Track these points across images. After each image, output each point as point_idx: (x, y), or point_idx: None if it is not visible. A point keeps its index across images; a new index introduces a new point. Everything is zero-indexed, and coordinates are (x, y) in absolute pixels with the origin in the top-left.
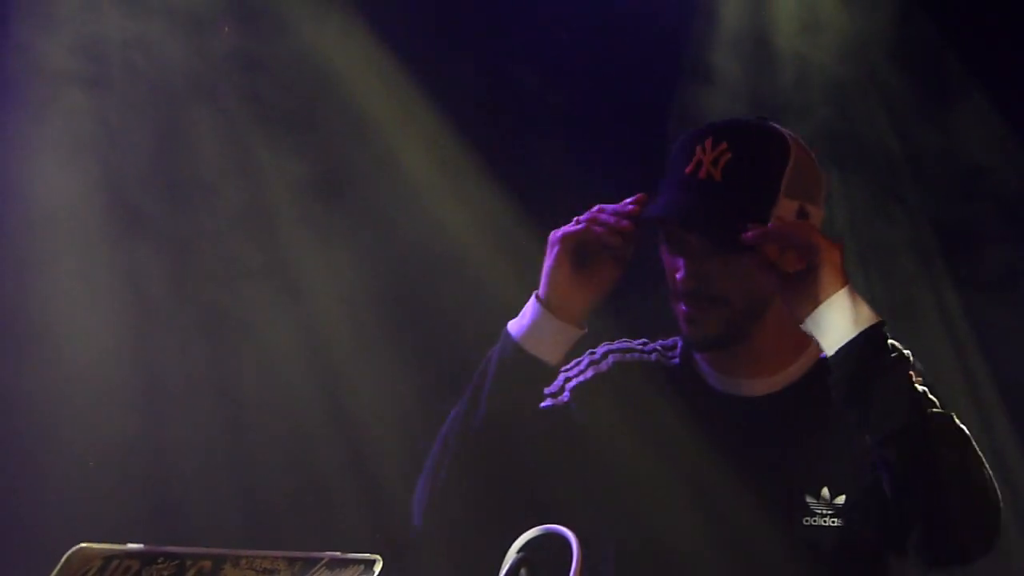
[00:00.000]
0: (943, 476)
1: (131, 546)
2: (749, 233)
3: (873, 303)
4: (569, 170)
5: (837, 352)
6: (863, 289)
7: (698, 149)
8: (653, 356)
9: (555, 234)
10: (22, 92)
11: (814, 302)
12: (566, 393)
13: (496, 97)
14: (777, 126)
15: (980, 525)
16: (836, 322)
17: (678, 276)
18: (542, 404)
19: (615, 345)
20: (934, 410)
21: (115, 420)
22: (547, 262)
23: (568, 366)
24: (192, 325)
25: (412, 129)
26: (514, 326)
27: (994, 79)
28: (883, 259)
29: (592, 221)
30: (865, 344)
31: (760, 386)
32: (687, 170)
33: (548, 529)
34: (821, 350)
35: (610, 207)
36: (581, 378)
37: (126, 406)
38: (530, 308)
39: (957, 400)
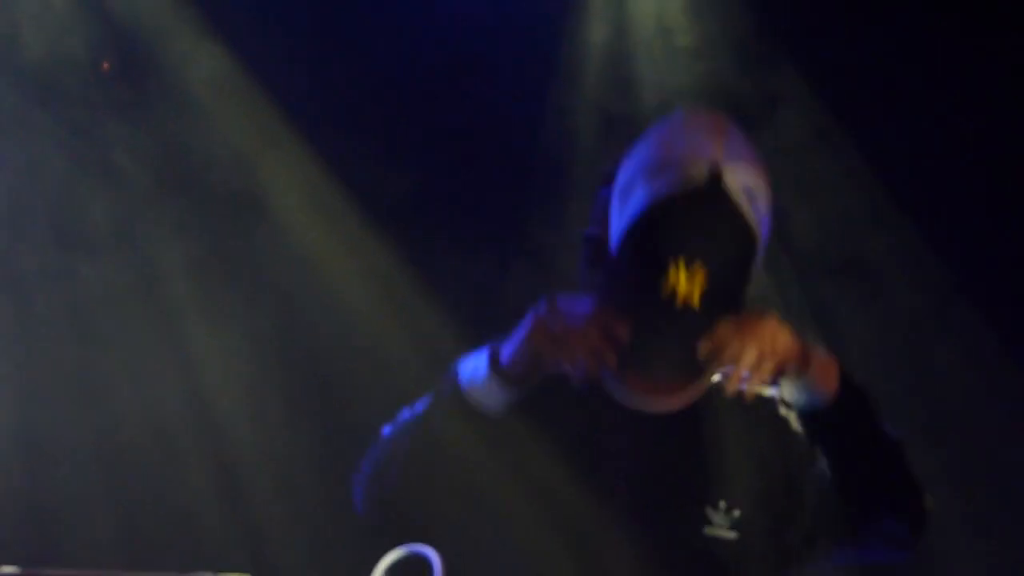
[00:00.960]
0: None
1: (6, 569)
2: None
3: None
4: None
5: (821, 413)
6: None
7: (671, 270)
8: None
9: (540, 320)
10: None
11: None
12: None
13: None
14: (744, 205)
15: (908, 518)
16: (810, 389)
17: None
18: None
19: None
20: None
21: None
22: (520, 340)
23: None
24: (76, 377)
25: (309, 201)
26: (465, 373)
27: (826, 78)
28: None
29: (578, 345)
30: (843, 407)
31: (666, 403)
32: (663, 295)
33: (412, 549)
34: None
35: (599, 338)
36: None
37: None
38: (484, 366)
39: None
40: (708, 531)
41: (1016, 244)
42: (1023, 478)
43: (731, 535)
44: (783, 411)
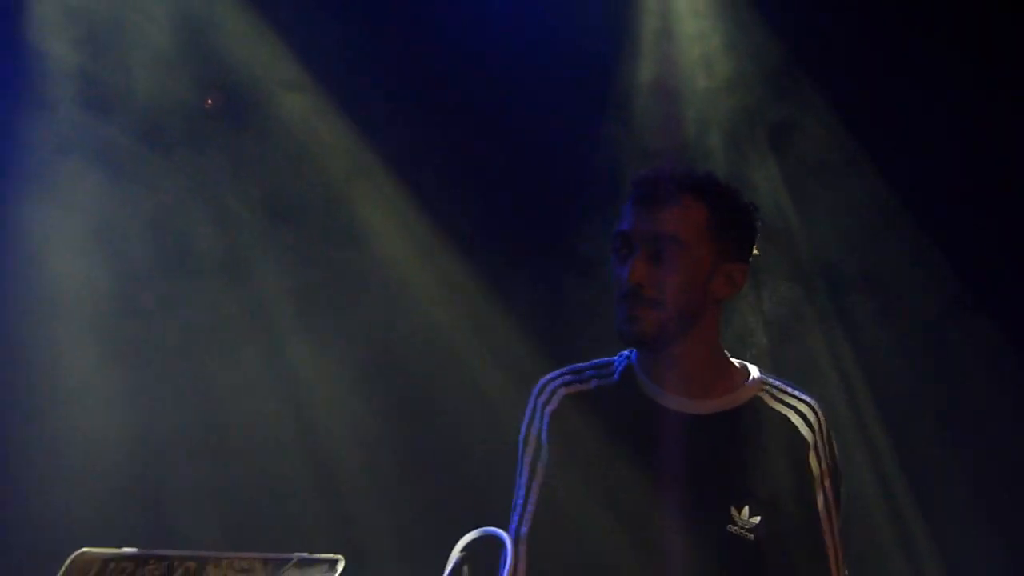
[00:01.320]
0: None
1: (126, 550)
2: None
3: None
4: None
5: None
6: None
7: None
8: (592, 383)
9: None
10: (38, 183)
11: None
12: (545, 427)
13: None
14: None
15: None
16: None
17: (624, 276)
18: None
19: (556, 380)
20: None
21: (114, 448)
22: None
23: (529, 409)
24: (192, 387)
25: (396, 228)
26: None
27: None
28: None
29: None
30: None
31: (700, 406)
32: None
33: (486, 531)
34: (761, 387)
35: None
36: (548, 409)
37: (124, 443)
38: None
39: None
40: (731, 529)
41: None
42: None
43: (750, 536)
44: (805, 433)
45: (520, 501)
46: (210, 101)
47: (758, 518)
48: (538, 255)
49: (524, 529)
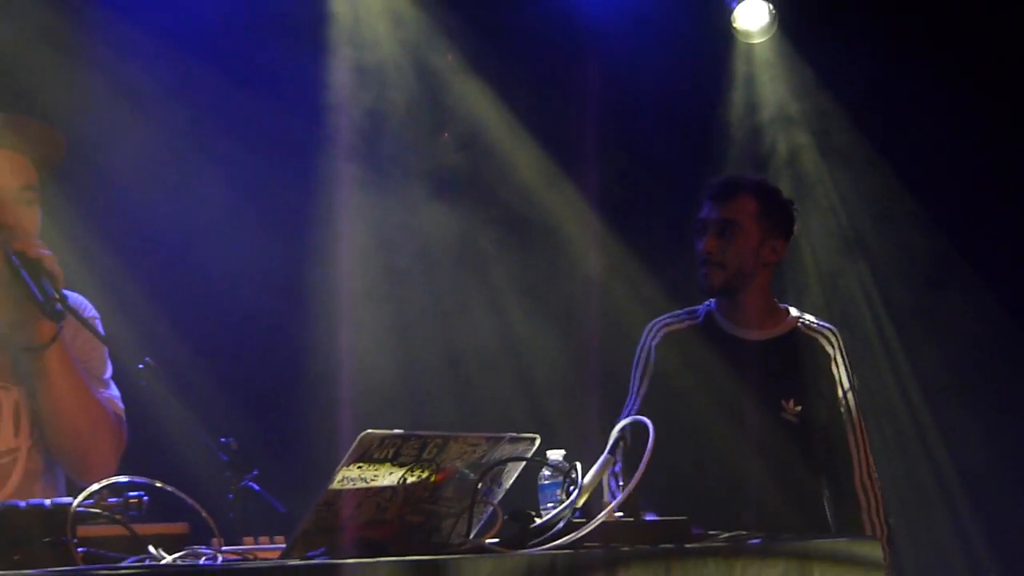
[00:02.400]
0: None
1: (396, 431)
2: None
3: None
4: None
5: None
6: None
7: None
8: (685, 323)
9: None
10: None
11: None
12: (652, 353)
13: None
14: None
15: None
16: None
17: (701, 248)
18: None
19: (661, 321)
20: None
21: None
22: None
23: (642, 341)
24: (439, 335)
25: (583, 230)
26: None
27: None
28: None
29: None
30: None
31: (758, 335)
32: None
33: (636, 419)
34: (798, 320)
35: None
36: (655, 342)
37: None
38: None
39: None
40: (782, 415)
41: None
42: None
43: (795, 420)
44: (828, 350)
45: (631, 399)
46: (446, 135)
47: (800, 407)
48: (674, 248)
49: (635, 411)
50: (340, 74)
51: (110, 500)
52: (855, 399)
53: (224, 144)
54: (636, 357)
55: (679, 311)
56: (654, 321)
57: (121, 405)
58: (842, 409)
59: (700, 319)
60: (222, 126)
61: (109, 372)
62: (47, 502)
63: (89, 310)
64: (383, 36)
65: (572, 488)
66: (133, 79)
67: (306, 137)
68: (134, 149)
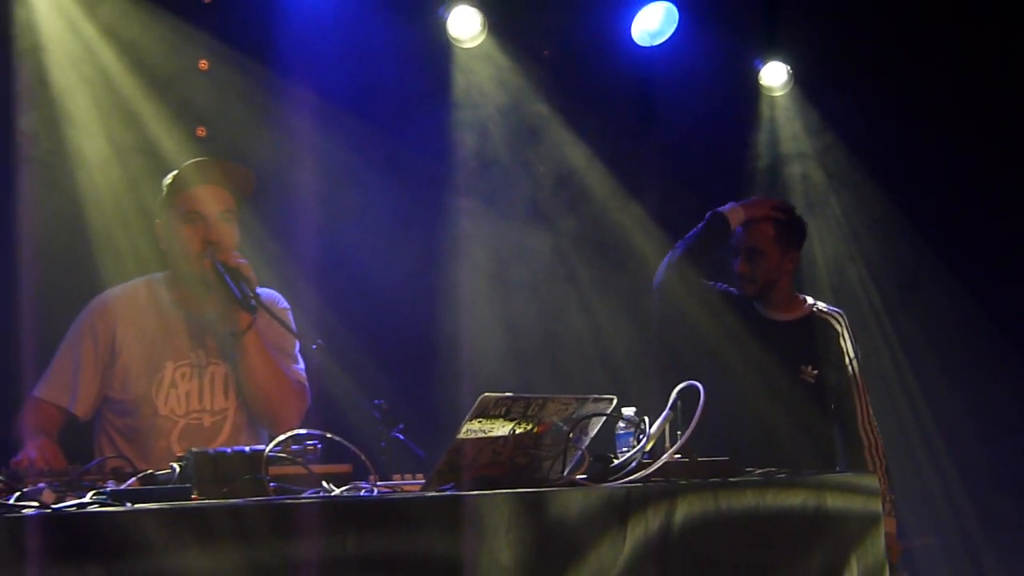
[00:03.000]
0: None
1: (507, 393)
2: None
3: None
4: None
5: None
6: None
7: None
8: (735, 291)
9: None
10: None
11: None
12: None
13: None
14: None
15: None
16: None
17: (736, 268)
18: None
19: (719, 285)
20: None
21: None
22: None
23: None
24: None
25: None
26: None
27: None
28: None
29: None
30: None
31: (784, 316)
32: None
33: (690, 383)
34: (813, 307)
35: None
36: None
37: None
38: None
39: None
40: (802, 377)
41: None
42: None
43: (812, 381)
44: (837, 328)
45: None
46: (542, 170)
47: (816, 371)
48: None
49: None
50: (461, 126)
51: (293, 448)
52: (858, 365)
53: (377, 179)
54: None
55: (724, 285)
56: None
57: (304, 376)
58: (848, 372)
59: (743, 300)
60: (376, 166)
61: (297, 349)
62: (247, 449)
63: (282, 303)
64: (491, 96)
65: (641, 436)
66: (309, 130)
67: (437, 174)
68: (309, 183)
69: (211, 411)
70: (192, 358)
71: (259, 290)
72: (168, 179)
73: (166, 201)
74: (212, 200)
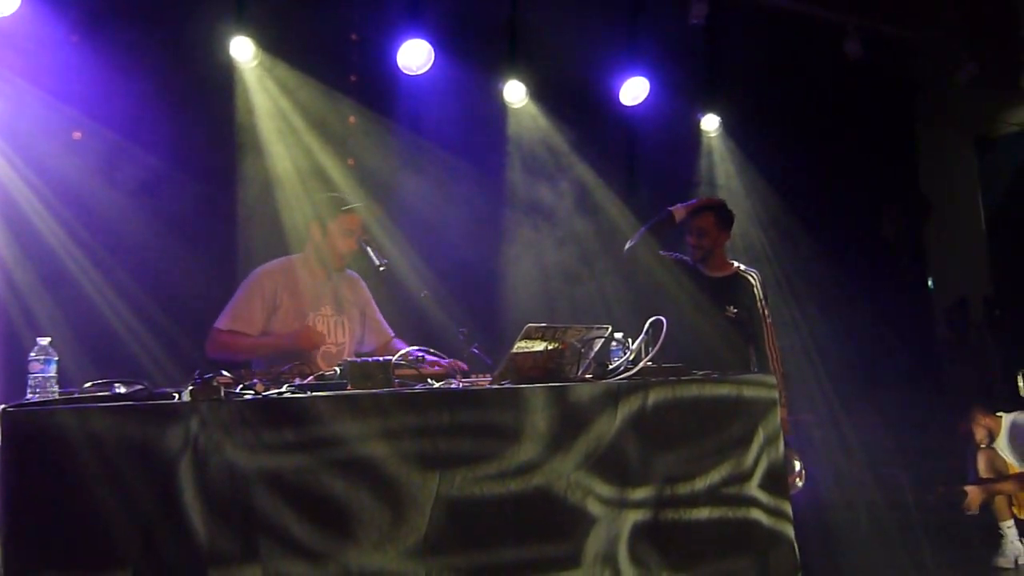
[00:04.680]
0: None
1: (542, 324)
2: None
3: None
4: None
5: None
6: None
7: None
8: (687, 259)
9: None
10: None
11: None
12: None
13: None
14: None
15: None
16: None
17: (689, 241)
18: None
19: (673, 254)
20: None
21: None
22: None
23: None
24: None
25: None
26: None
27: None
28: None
29: None
30: None
31: (717, 274)
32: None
33: (657, 318)
34: (738, 267)
35: None
36: (667, 257)
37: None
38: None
39: None
40: (726, 314)
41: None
42: None
43: (733, 316)
44: (753, 281)
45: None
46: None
47: (736, 310)
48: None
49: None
50: (512, 158)
51: (409, 358)
52: (765, 306)
53: (464, 192)
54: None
55: (681, 254)
56: (667, 252)
57: (391, 332)
58: (758, 310)
59: (690, 264)
60: (464, 180)
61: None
62: (381, 358)
63: (363, 282)
64: (536, 140)
65: (626, 351)
66: (416, 159)
67: (498, 194)
68: (417, 190)
69: (336, 343)
70: (324, 311)
71: (348, 272)
72: (340, 208)
73: (335, 218)
74: (357, 225)
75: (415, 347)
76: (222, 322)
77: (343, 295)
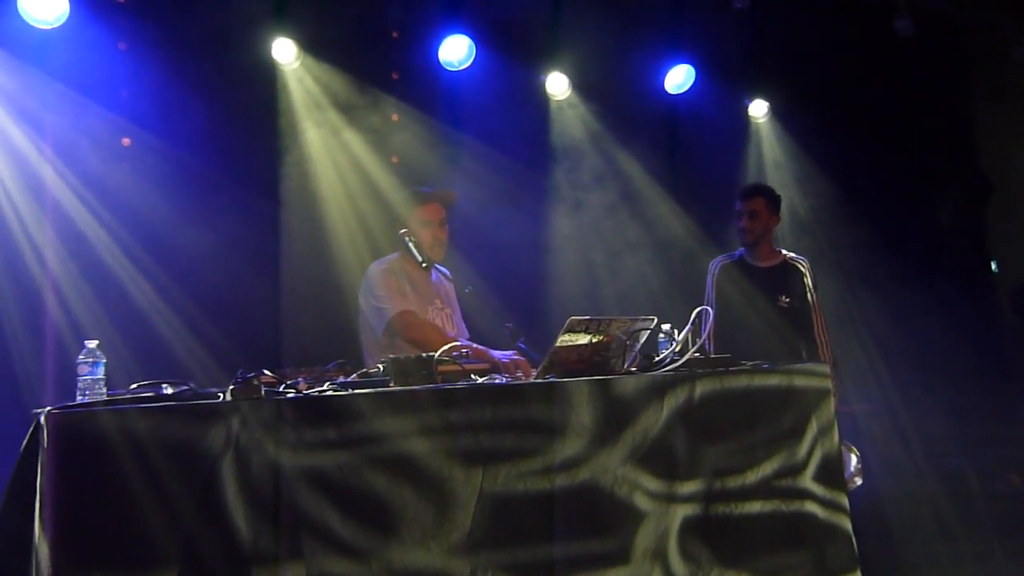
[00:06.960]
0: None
1: (586, 316)
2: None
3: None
4: None
5: None
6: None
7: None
8: (735, 258)
9: None
10: None
11: None
12: (715, 277)
13: None
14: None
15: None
16: None
17: (740, 225)
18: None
19: (719, 258)
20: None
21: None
22: None
23: (711, 265)
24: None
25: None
26: None
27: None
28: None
29: None
30: None
31: (766, 263)
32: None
33: (703, 308)
34: (787, 256)
35: None
36: (715, 271)
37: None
38: None
39: None
40: (779, 304)
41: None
42: None
43: (785, 306)
44: (804, 270)
45: (706, 300)
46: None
47: (788, 299)
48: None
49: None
50: (556, 153)
51: (453, 355)
52: (817, 295)
53: (507, 186)
54: (707, 278)
55: (727, 253)
56: (715, 259)
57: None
58: (808, 299)
59: (736, 257)
60: (507, 174)
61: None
62: (423, 355)
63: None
64: (579, 132)
65: (672, 342)
66: (462, 155)
67: (541, 187)
68: (462, 186)
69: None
70: (436, 303)
71: (442, 268)
72: (418, 201)
73: (412, 213)
74: (435, 213)
75: (460, 341)
76: (396, 306)
77: (446, 289)
